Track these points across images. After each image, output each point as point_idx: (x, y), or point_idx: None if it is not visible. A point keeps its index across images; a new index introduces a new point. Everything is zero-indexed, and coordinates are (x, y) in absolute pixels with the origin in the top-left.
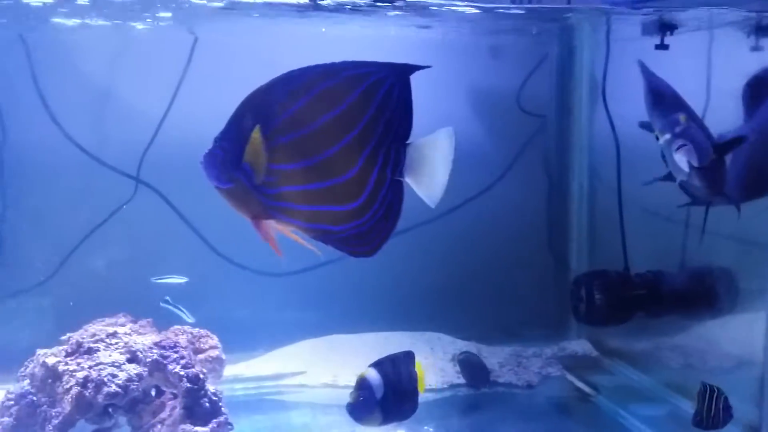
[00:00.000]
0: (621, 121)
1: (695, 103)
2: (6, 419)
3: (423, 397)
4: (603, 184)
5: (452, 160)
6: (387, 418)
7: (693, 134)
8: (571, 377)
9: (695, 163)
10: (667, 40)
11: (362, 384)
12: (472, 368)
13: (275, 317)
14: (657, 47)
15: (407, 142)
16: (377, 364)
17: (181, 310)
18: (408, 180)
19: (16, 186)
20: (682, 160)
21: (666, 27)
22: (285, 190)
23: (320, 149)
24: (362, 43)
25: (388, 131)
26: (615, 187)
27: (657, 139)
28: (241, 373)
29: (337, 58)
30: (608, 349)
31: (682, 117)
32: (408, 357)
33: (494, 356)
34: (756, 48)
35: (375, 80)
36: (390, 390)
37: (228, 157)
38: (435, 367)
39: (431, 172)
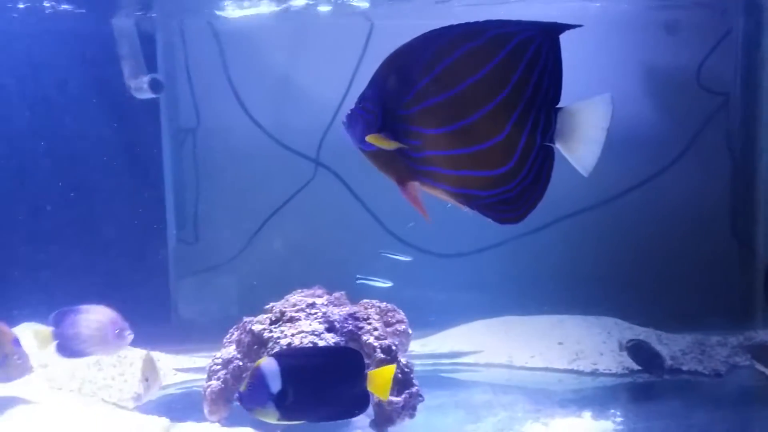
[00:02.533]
0: None
1: None
2: (214, 383)
3: (601, 381)
4: None
5: (607, 128)
6: (288, 414)
7: None
8: (760, 367)
9: None
10: None
11: (254, 373)
12: (644, 355)
13: (449, 297)
14: None
15: (558, 106)
16: (279, 356)
17: (376, 280)
18: (559, 146)
19: (209, 168)
20: None
21: None
22: (430, 154)
23: (466, 113)
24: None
25: (536, 94)
26: None
27: None
28: (417, 351)
29: None
30: None
31: None
32: (335, 353)
33: (675, 344)
34: None
35: (522, 39)
36: (294, 385)
37: (371, 118)
38: (613, 352)
39: (585, 139)
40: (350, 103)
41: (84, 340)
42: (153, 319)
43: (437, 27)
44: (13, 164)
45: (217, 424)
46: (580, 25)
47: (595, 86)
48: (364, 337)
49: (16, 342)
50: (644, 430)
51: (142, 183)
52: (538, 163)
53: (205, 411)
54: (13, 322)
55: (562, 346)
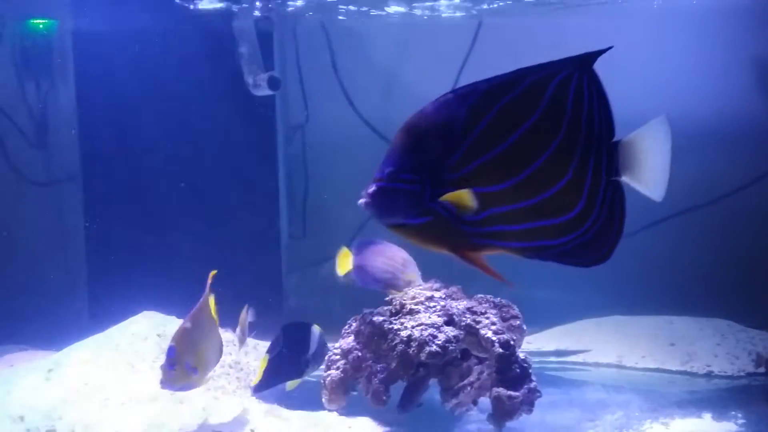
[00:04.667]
0: None
1: None
2: (333, 372)
3: (716, 383)
4: None
5: (670, 150)
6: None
7: None
8: None
9: None
10: None
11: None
12: None
13: (558, 296)
14: None
15: (616, 139)
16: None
17: None
18: (626, 179)
19: (317, 164)
20: None
21: None
22: (492, 213)
23: (524, 163)
24: (632, 18)
25: (591, 131)
26: None
27: None
28: (524, 348)
29: (621, 32)
30: None
31: None
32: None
33: None
34: None
35: (561, 80)
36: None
37: (417, 189)
38: (728, 354)
39: (650, 167)
40: None
41: (381, 271)
42: (267, 310)
43: (459, 86)
44: (138, 160)
45: (335, 413)
46: (610, 47)
47: (704, 82)
48: (482, 331)
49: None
50: None
51: (259, 178)
52: (608, 199)
53: (324, 400)
54: (135, 309)
55: (674, 347)
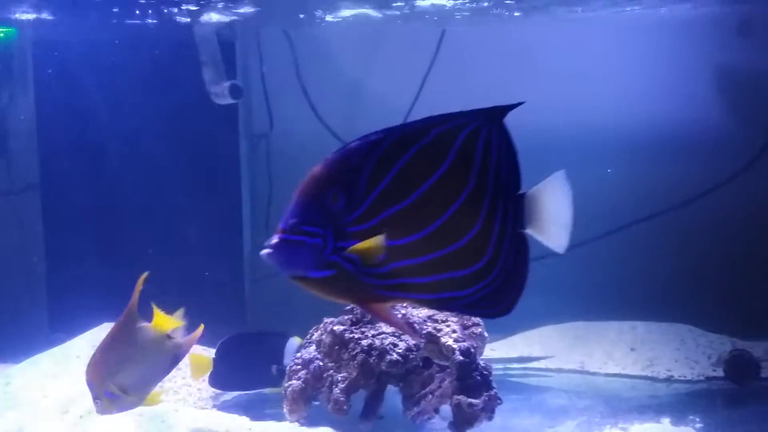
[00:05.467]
0: None
1: None
2: (295, 382)
3: (676, 388)
4: None
5: (571, 205)
6: None
7: None
8: None
9: None
10: None
11: None
12: (743, 366)
13: (520, 302)
14: None
15: (521, 192)
16: None
17: None
18: (530, 231)
19: (282, 173)
20: None
21: None
22: (398, 266)
23: (431, 215)
24: (603, 27)
25: (498, 183)
26: None
27: None
28: (486, 355)
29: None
30: None
31: None
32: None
33: (751, 351)
34: None
35: (470, 132)
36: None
37: (320, 242)
38: (688, 359)
39: (552, 220)
40: (421, 108)
41: None
42: (228, 320)
43: (359, 136)
44: (98, 169)
45: (296, 424)
46: (521, 103)
47: (664, 91)
48: (443, 339)
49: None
50: None
51: (222, 188)
52: (514, 251)
53: (285, 410)
54: (96, 321)
55: (635, 352)
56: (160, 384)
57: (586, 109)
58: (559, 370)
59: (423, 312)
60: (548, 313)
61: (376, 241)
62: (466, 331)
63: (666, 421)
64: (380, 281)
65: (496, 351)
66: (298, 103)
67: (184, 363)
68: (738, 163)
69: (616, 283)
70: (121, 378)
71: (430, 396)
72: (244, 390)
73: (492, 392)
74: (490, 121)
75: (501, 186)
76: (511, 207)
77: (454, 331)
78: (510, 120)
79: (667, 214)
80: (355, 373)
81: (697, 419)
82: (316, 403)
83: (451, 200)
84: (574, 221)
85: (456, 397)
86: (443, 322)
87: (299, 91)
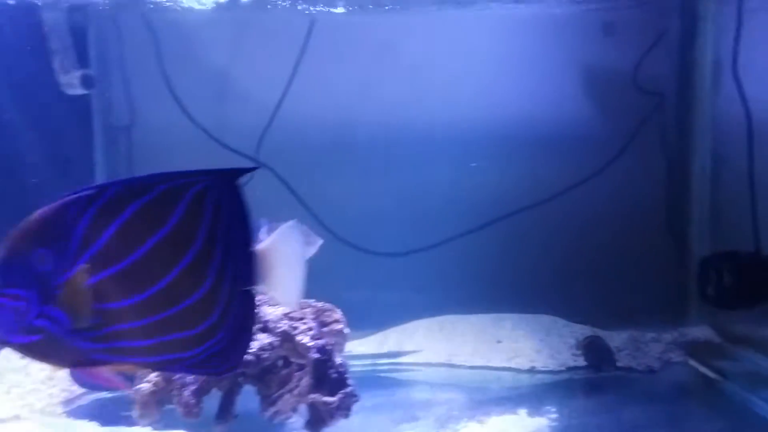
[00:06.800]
0: (752, 99)
1: None
2: (145, 386)
3: (539, 378)
4: (727, 164)
5: (302, 255)
6: None
7: None
8: (694, 363)
9: None
10: None
11: None
12: (598, 351)
13: (389, 297)
14: None
15: (251, 248)
16: None
17: None
18: (261, 288)
19: (143, 169)
20: None
21: None
22: (115, 330)
23: (154, 277)
24: (474, 21)
25: (227, 242)
26: (742, 168)
27: None
28: (356, 351)
29: (452, 39)
30: (733, 335)
31: None
32: None
33: (610, 340)
34: None
35: (199, 190)
36: None
37: (23, 306)
38: (551, 349)
39: (281, 276)
40: (291, 99)
41: None
42: None
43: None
44: None
45: (149, 428)
46: (256, 168)
47: (534, 89)
48: (299, 337)
49: None
50: (578, 426)
51: (73, 184)
52: (243, 309)
53: (136, 415)
54: None
55: (500, 344)
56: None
57: (454, 105)
58: (427, 364)
59: (279, 310)
60: (421, 307)
61: (83, 305)
62: (325, 329)
63: (523, 412)
64: (96, 345)
65: (365, 347)
66: (162, 94)
67: (36, 368)
68: (601, 160)
69: (485, 277)
70: None
71: (287, 395)
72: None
73: (348, 390)
74: (221, 180)
75: (231, 245)
76: (241, 266)
77: (310, 329)
78: (376, 114)
79: (534, 209)
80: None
81: (554, 409)
82: (171, 406)
83: (176, 260)
84: (305, 273)
85: (311, 396)
86: (300, 319)
87: (162, 81)
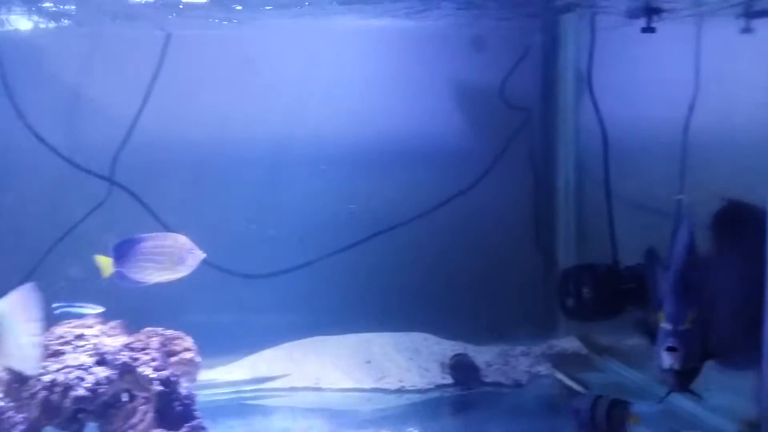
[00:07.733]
0: (608, 113)
1: (684, 91)
2: None
3: (408, 398)
4: (590, 178)
5: (37, 319)
6: None
7: (689, 341)
8: (560, 375)
9: (676, 368)
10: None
11: None
12: (464, 369)
13: (255, 320)
14: (644, 30)
15: None
16: None
17: (80, 306)
18: None
19: None
20: (666, 359)
21: (652, 11)
22: None
23: None
24: (339, 35)
25: None
26: (602, 181)
27: None
28: (220, 378)
29: (316, 50)
30: (598, 346)
31: (689, 318)
32: None
33: (481, 356)
34: (746, 30)
35: None
36: None
37: None
38: (420, 368)
39: (16, 342)
40: (147, 116)
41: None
42: None
43: None
44: None
45: None
46: None
47: (404, 104)
48: (140, 369)
49: None
50: None
51: None
52: None
53: None
54: None
55: (369, 364)
56: None
57: (319, 122)
58: (293, 389)
59: (120, 340)
60: (290, 329)
61: None
62: (173, 358)
63: None
64: None
65: (234, 373)
66: (6, 111)
67: None
68: (472, 176)
69: (355, 296)
70: None
71: (130, 431)
72: None
73: (195, 422)
74: None
75: None
76: None
77: (153, 360)
78: (238, 132)
79: (403, 226)
80: (36, 413)
81: (416, 430)
82: None
83: None
84: (42, 337)
85: (155, 430)
86: (142, 350)
87: (5, 97)
